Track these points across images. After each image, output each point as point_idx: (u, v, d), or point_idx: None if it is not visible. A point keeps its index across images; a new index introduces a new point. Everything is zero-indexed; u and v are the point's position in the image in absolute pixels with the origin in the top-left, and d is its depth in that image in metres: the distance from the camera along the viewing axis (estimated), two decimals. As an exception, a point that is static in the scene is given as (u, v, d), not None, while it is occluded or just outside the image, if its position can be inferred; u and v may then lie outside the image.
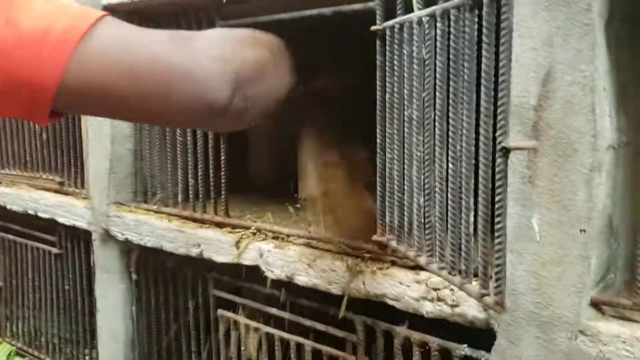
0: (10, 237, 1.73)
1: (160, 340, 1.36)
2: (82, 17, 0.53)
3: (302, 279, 1.02)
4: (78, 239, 1.51)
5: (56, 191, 1.55)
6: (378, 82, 0.89)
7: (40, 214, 1.56)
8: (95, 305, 1.45)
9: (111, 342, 1.42)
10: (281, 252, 1.06)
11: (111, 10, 1.31)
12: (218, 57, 0.59)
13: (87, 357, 1.58)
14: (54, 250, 1.58)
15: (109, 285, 1.40)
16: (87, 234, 1.44)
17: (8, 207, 1.68)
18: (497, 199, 0.58)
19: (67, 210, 1.48)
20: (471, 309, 0.81)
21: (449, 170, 0.68)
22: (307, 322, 1.05)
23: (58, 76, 0.52)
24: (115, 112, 0.62)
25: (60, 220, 1.51)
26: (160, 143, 1.29)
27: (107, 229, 1.35)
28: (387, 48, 0.85)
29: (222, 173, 1.17)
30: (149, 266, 1.34)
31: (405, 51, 0.80)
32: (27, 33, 0.51)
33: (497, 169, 0.57)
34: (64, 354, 1.63)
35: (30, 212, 1.60)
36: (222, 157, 1.17)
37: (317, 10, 0.98)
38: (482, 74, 0.61)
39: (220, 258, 1.15)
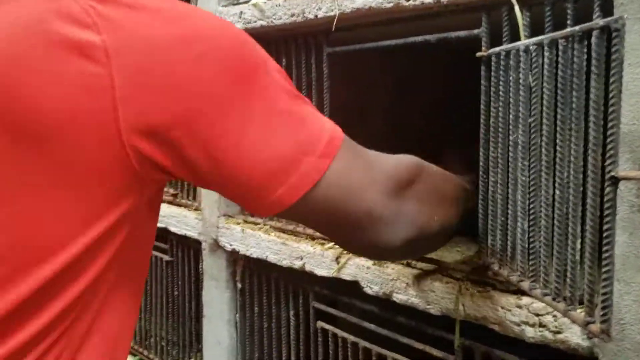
0: (127, 243, 1.87)
1: (262, 348, 1.42)
2: (323, 157, 0.61)
3: (400, 297, 1.05)
4: (188, 248, 1.61)
5: (170, 202, 1.67)
6: (482, 107, 0.91)
7: (155, 223, 1.68)
8: (202, 311, 1.54)
9: (215, 347, 1.51)
10: (380, 269, 1.09)
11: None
12: (417, 224, 0.67)
13: (191, 360, 1.68)
14: (166, 257, 1.69)
15: (216, 292, 1.49)
16: (196, 243, 1.54)
17: (126, 215, 1.82)
18: (605, 227, 0.58)
19: (179, 220, 1.59)
20: (574, 337, 0.80)
21: (556, 197, 0.69)
22: (405, 340, 1.07)
23: (282, 208, 0.61)
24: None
25: (173, 229, 1.62)
26: (268, 160, 1.36)
27: (217, 239, 1.44)
28: (492, 74, 0.87)
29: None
30: (253, 276, 1.42)
31: (511, 77, 0.82)
32: (265, 160, 0.59)
33: (605, 198, 0.58)
34: (171, 356, 1.73)
35: (146, 221, 1.72)
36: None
37: (422, 37, 1.01)
38: (591, 104, 0.62)
39: (321, 272, 1.19)
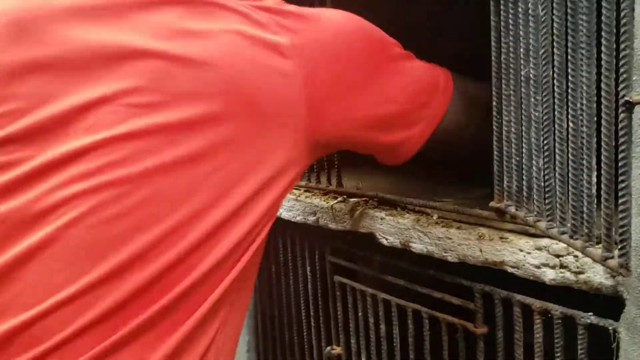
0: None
1: (281, 305, 1.42)
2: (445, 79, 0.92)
3: (416, 246, 1.03)
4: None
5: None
6: (493, 43, 0.86)
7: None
8: (222, 272, 1.54)
9: (237, 306, 1.51)
10: (394, 219, 1.07)
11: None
12: None
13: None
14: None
15: (234, 253, 1.48)
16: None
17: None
18: (620, 156, 0.55)
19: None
20: (597, 276, 0.77)
21: (569, 130, 0.65)
22: (424, 290, 1.05)
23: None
24: None
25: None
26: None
27: (230, 200, 1.42)
28: (502, 8, 0.83)
29: (336, 144, 1.20)
30: (268, 234, 1.40)
31: (520, 9, 0.77)
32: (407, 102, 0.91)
33: (620, 125, 0.54)
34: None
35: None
36: (336, 128, 1.19)
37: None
38: (603, 27, 0.58)
39: (335, 226, 1.18)
